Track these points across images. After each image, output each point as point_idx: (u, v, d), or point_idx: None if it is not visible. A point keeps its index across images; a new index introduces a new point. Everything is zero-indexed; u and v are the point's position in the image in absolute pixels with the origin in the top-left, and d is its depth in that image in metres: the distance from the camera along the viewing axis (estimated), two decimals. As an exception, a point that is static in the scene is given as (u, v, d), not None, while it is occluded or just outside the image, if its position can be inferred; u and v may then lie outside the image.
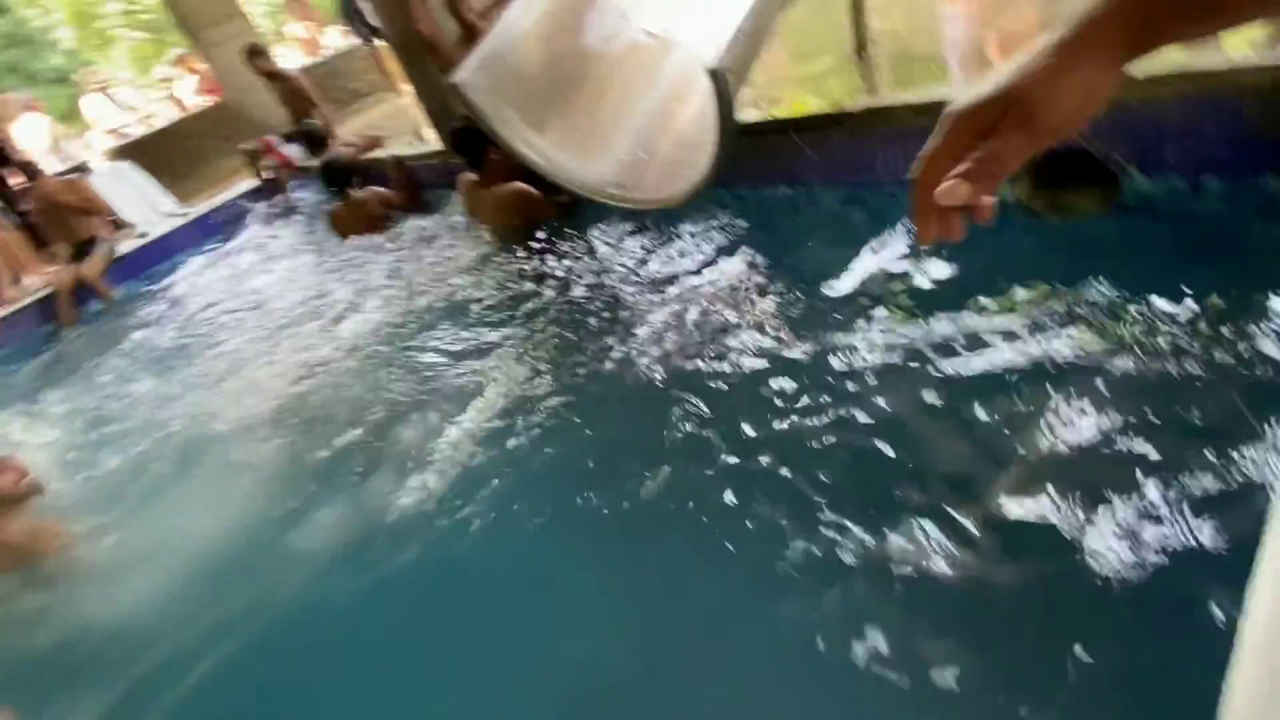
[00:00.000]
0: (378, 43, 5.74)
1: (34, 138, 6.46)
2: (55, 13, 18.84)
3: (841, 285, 1.59)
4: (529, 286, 2.39)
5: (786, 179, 2.15)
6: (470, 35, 2.85)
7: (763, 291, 1.76)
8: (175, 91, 8.23)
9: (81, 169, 5.80)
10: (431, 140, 3.75)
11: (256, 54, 4.77)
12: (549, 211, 2.66)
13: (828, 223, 1.92)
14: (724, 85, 1.56)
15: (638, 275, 2.18)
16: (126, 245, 4.82)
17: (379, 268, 3.13)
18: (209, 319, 3.51)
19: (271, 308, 3.27)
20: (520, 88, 2.20)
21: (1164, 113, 1.27)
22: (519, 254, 2.62)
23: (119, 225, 5.01)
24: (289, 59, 8.81)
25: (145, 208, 5.39)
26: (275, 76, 4.81)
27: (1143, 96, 1.26)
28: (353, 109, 7.04)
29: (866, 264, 1.59)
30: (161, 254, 4.82)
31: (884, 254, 1.59)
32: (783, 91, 2.28)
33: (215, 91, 7.90)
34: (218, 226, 4.95)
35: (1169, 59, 1.24)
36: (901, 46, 1.99)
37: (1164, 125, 1.28)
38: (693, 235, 2.22)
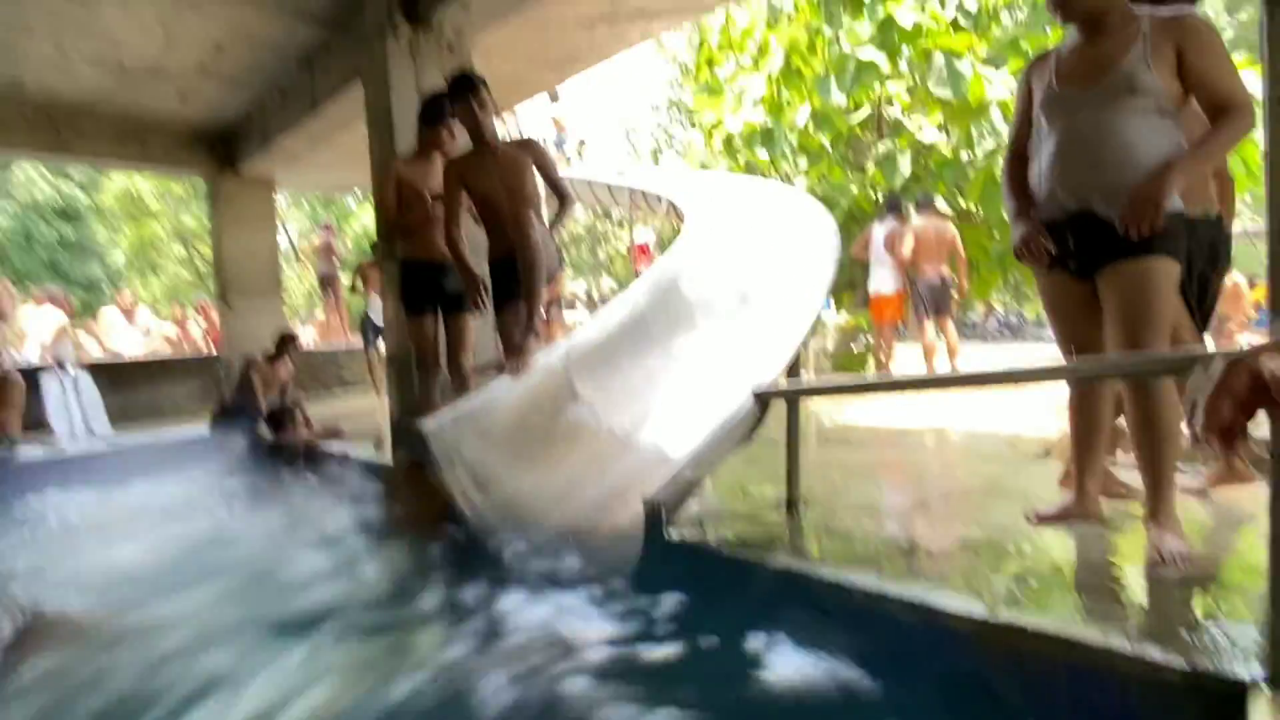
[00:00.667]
0: (379, 347, 6.31)
1: (41, 328, 6.64)
2: (119, 232, 21.12)
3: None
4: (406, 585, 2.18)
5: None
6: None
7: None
8: (181, 331, 8.73)
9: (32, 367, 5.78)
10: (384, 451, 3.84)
11: (288, 341, 5.20)
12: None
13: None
14: (655, 514, 1.67)
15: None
16: (36, 453, 4.54)
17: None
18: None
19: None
20: (479, 447, 2.35)
21: None
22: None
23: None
24: (303, 336, 9.62)
25: (76, 423, 5.23)
26: (277, 359, 5.15)
27: None
28: (335, 393, 7.42)
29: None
30: (67, 473, 4.52)
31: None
32: (712, 522, 2.42)
33: (214, 342, 8.42)
34: (142, 464, 4.74)
35: None
36: (825, 516, 2.18)
37: None
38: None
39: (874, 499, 2.49)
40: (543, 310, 7.68)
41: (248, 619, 2.14)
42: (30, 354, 6.41)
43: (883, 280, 5.98)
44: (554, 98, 9.98)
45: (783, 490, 2.25)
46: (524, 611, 1.95)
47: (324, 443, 4.28)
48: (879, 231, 5.99)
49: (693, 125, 16.45)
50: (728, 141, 8.96)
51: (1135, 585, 1.52)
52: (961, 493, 2.49)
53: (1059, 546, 1.79)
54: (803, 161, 8.74)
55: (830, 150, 8.11)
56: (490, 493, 2.32)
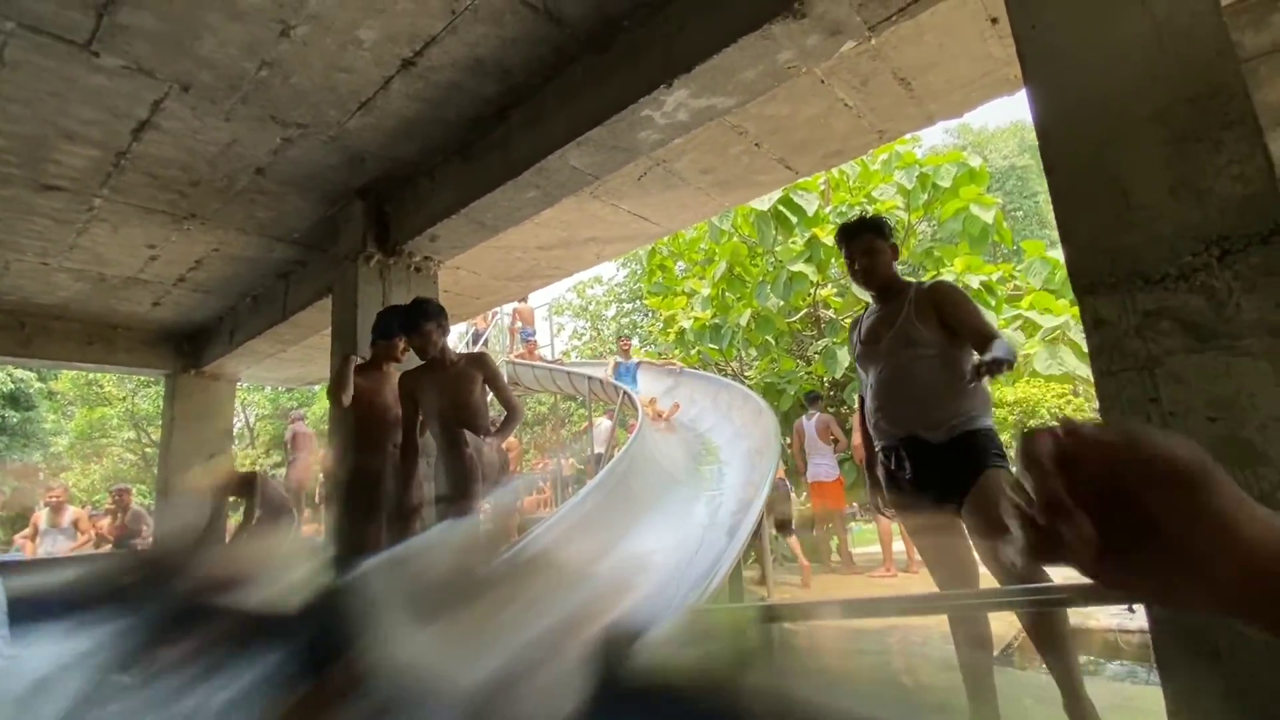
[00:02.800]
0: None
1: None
2: (68, 417, 20.56)
3: None
4: None
5: None
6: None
7: None
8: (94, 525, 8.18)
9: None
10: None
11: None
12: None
13: None
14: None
15: None
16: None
17: None
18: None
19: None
20: (405, 592, 2.22)
21: None
22: None
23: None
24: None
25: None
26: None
27: None
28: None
29: None
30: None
31: None
32: None
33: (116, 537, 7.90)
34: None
35: None
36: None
37: None
38: None
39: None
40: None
41: None
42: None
43: (821, 469, 6.18)
44: (522, 298, 10.69)
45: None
46: None
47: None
48: (808, 425, 6.31)
49: (652, 316, 17.59)
50: (680, 334, 9.58)
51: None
52: (920, 710, 2.40)
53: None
54: (753, 352, 9.35)
55: (774, 345, 8.73)
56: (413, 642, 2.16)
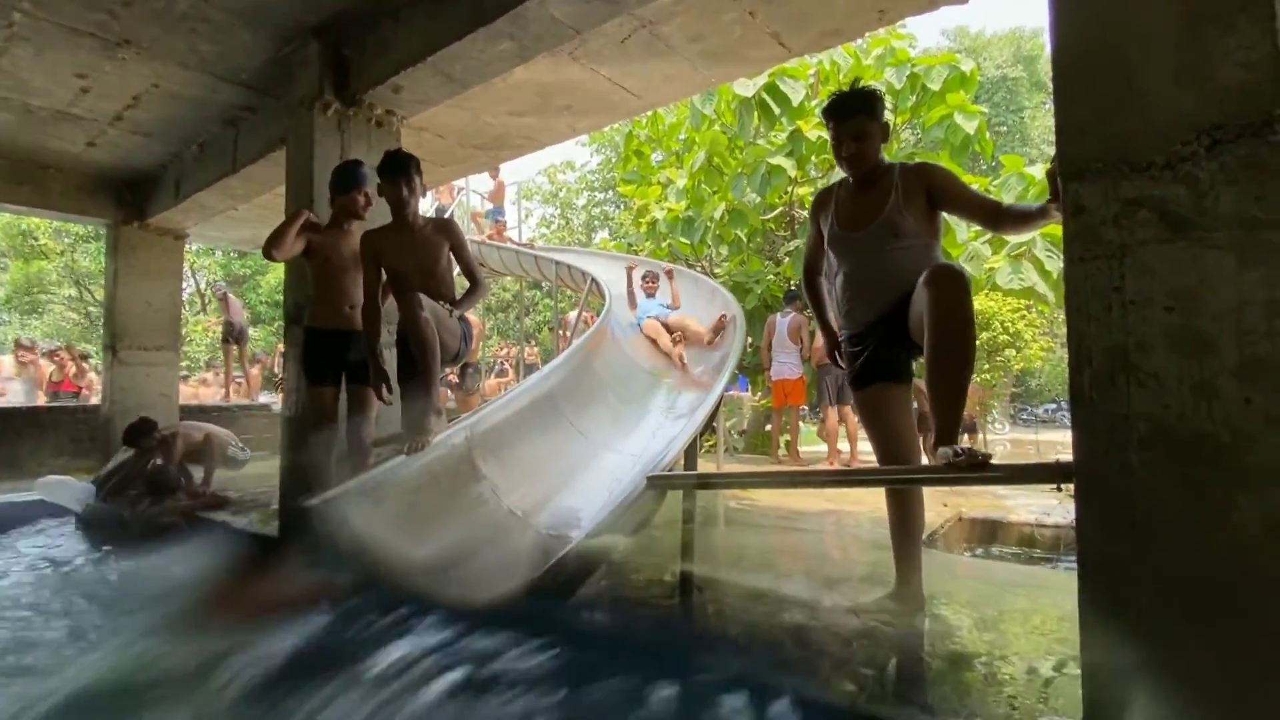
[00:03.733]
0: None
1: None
2: (2, 270, 19.48)
3: None
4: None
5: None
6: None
7: None
8: (41, 373, 8.01)
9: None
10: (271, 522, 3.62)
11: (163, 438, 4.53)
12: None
13: None
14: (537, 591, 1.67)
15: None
16: None
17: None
18: None
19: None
20: (369, 522, 2.28)
21: None
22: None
23: None
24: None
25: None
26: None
27: None
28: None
29: None
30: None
31: None
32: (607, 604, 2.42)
33: (67, 389, 7.79)
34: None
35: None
36: (717, 600, 2.24)
37: None
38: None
39: (767, 586, 2.56)
40: (455, 379, 7.52)
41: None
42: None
43: (786, 367, 6.32)
44: (493, 173, 10.21)
45: (680, 572, 2.30)
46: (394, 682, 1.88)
47: (206, 512, 4.01)
48: (781, 322, 6.38)
49: (624, 208, 17.15)
50: (652, 225, 9.38)
51: (965, 674, 1.64)
52: (845, 580, 2.61)
53: (907, 635, 1.90)
54: (724, 249, 9.25)
55: (746, 243, 8.63)
56: (376, 568, 2.25)
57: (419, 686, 1.84)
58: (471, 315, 4.21)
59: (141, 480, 4.35)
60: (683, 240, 8.81)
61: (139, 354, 5.97)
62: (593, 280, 7.55)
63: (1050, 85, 1.59)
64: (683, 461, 2.80)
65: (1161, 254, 1.19)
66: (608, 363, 4.50)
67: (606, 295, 5.94)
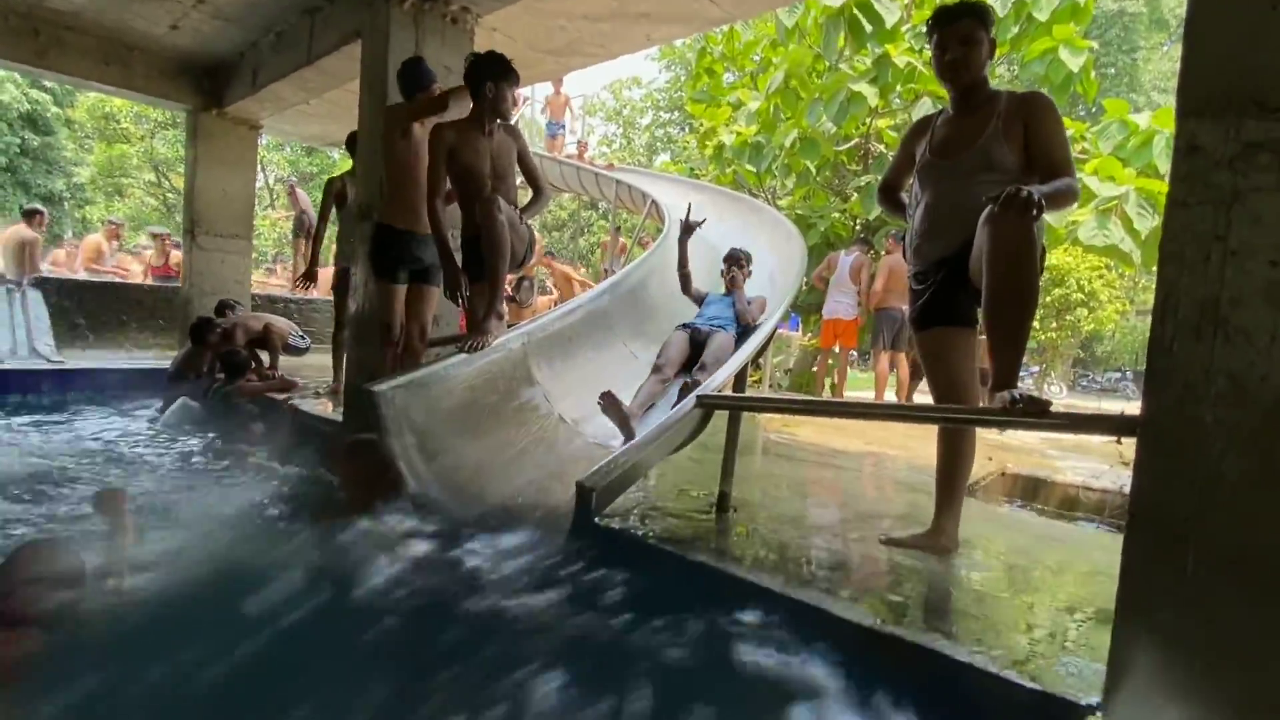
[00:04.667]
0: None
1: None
2: (87, 150, 20.28)
3: None
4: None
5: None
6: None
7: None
8: (140, 258, 8.53)
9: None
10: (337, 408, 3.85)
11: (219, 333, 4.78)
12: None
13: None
14: (585, 497, 1.76)
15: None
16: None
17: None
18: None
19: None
20: (428, 416, 2.41)
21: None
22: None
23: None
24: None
25: (19, 338, 5.10)
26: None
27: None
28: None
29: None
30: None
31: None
32: (646, 515, 2.53)
33: (165, 274, 8.26)
34: (86, 389, 4.69)
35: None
36: (751, 521, 2.31)
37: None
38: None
39: (799, 512, 2.63)
40: (510, 291, 7.63)
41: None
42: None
43: (841, 306, 6.18)
44: (556, 84, 9.97)
45: (717, 493, 2.37)
46: (447, 573, 2.03)
47: (276, 395, 4.27)
48: (845, 260, 6.19)
49: (690, 130, 16.57)
50: (719, 149, 9.09)
51: (991, 612, 1.68)
52: (878, 516, 2.65)
53: (936, 571, 1.94)
54: (790, 181, 8.93)
55: (815, 174, 8.29)
56: (434, 461, 2.39)
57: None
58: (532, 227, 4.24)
59: (210, 365, 4.64)
60: (748, 168, 8.52)
61: (216, 240, 6.24)
62: (652, 202, 7.43)
63: (1173, 23, 1.45)
64: (731, 388, 2.83)
65: (1276, 204, 1.12)
66: (664, 285, 4.50)
67: (666, 218, 5.86)
